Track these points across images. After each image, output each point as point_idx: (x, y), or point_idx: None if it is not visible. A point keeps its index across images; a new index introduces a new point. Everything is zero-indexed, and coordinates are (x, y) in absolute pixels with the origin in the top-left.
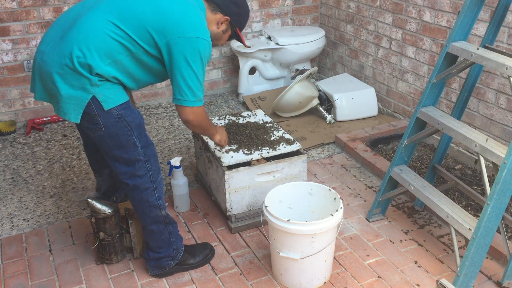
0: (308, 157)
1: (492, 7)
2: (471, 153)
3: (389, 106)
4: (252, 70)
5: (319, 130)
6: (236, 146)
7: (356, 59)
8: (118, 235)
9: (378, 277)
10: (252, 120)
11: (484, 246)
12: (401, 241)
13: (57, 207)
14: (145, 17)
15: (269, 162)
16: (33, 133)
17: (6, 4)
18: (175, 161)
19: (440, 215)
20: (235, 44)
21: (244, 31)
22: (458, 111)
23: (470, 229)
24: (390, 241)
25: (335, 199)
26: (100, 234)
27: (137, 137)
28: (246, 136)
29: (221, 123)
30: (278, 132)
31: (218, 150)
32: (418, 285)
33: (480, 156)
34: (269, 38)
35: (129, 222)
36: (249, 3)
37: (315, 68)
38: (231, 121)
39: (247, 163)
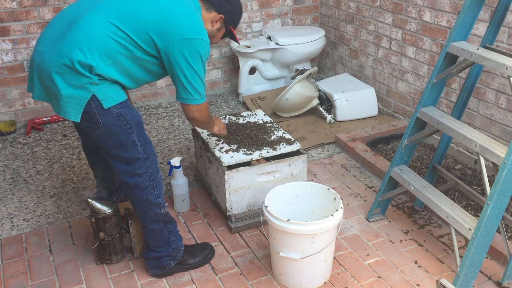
0: (308, 157)
1: (492, 7)
2: (471, 153)
3: (389, 106)
4: (252, 70)
5: (319, 130)
6: (236, 146)
7: (356, 59)
8: (118, 235)
9: (378, 277)
10: (252, 120)
11: (484, 246)
12: (401, 241)
13: (57, 207)
14: (145, 19)
15: (269, 162)
16: (33, 133)
17: (6, 4)
18: (175, 161)
19: (440, 215)
20: (235, 44)
21: (244, 31)
22: (458, 111)
23: (470, 229)
24: (390, 241)
25: (335, 199)
26: (100, 234)
27: (137, 135)
28: (246, 136)
29: None
30: (278, 132)
31: (218, 150)
32: (418, 285)
33: (480, 156)
34: (269, 38)
35: (129, 222)
36: (249, 3)
37: (315, 68)
38: (231, 121)
39: (247, 163)
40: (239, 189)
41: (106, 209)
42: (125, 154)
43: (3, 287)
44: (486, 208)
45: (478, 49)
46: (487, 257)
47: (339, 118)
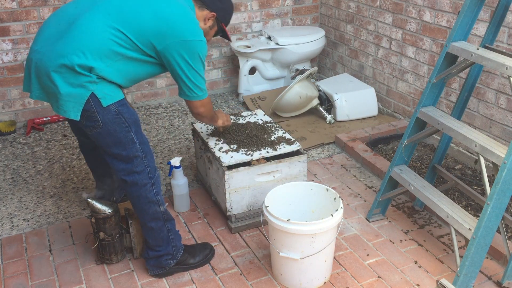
0: (308, 157)
1: (492, 7)
2: (471, 153)
3: (389, 106)
4: (252, 70)
5: (319, 130)
6: (236, 146)
7: (356, 59)
8: (118, 235)
9: (378, 277)
10: (252, 120)
11: (484, 246)
12: (401, 241)
13: (57, 207)
14: (144, 21)
15: (269, 162)
16: (33, 133)
17: (6, 4)
18: (175, 161)
19: (440, 215)
20: (235, 44)
21: (244, 31)
22: (458, 111)
23: (470, 229)
24: (390, 241)
25: (335, 199)
26: (100, 234)
27: (135, 133)
28: (246, 136)
29: None
30: (278, 132)
31: (218, 150)
32: (418, 285)
33: (480, 156)
34: (269, 38)
35: (129, 222)
36: (249, 3)
37: (315, 68)
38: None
39: (247, 163)
40: (239, 189)
41: (106, 209)
42: (123, 152)
43: (3, 287)
44: (486, 208)
45: (478, 49)
46: (487, 257)
47: (339, 118)
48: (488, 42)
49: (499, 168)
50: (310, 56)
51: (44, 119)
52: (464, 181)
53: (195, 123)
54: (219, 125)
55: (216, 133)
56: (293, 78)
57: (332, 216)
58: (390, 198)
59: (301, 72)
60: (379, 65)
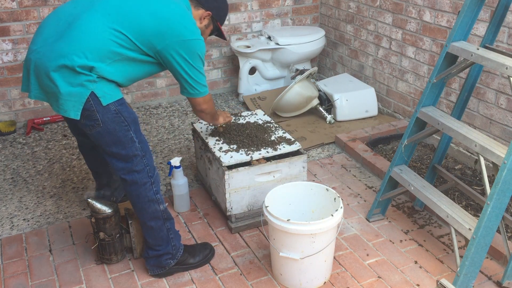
0: (308, 157)
1: (492, 7)
2: (471, 153)
3: (389, 106)
4: (252, 70)
5: (319, 130)
6: (236, 146)
7: (356, 59)
8: (118, 235)
9: (378, 277)
10: (252, 120)
11: (484, 246)
12: (401, 241)
13: (57, 207)
14: (143, 21)
15: (269, 162)
16: (33, 133)
17: (6, 4)
18: (175, 161)
19: (440, 215)
20: (235, 44)
21: (244, 31)
22: (458, 111)
23: (470, 229)
24: (390, 241)
25: (335, 199)
26: (100, 234)
27: (134, 132)
28: (246, 136)
29: None
30: (278, 132)
31: (218, 150)
32: (418, 285)
33: (480, 156)
34: (269, 38)
35: (129, 222)
36: (249, 3)
37: (315, 68)
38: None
39: (247, 163)
40: (239, 189)
41: (106, 209)
42: (123, 151)
43: (3, 287)
44: (486, 208)
45: (478, 49)
46: (487, 257)
47: (339, 118)
48: (488, 42)
49: (499, 168)
50: (310, 56)
51: (44, 119)
52: (464, 181)
53: (195, 123)
54: (220, 122)
55: (216, 133)
56: (293, 78)
57: (332, 216)
58: (390, 198)
59: (301, 72)
60: (379, 65)
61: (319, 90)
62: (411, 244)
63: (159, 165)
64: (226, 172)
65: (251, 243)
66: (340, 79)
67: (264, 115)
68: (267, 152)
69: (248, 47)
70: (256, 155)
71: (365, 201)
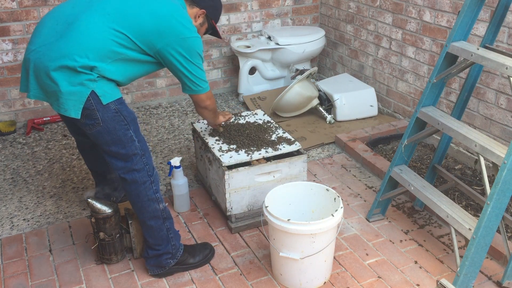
0: (308, 157)
1: (492, 7)
2: (471, 153)
3: (389, 106)
4: (252, 70)
5: (319, 130)
6: (236, 146)
7: (356, 59)
8: (118, 235)
9: (378, 277)
10: (252, 120)
11: (484, 246)
12: (401, 241)
13: (57, 207)
14: (142, 21)
15: (269, 162)
16: (33, 133)
17: (6, 4)
18: (175, 161)
19: (440, 215)
20: (235, 44)
21: (244, 31)
22: (458, 111)
23: (470, 229)
24: (390, 241)
25: (335, 199)
26: (100, 234)
27: (133, 131)
28: (246, 136)
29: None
30: (278, 132)
31: (218, 150)
32: (418, 285)
33: (480, 156)
34: (269, 38)
35: (129, 222)
36: (249, 3)
37: (315, 68)
38: (231, 121)
39: (247, 163)
40: (239, 189)
41: (106, 209)
42: (122, 150)
43: (3, 287)
44: (486, 208)
45: (478, 49)
46: (487, 257)
47: (339, 118)
48: (488, 42)
49: (499, 168)
50: (310, 56)
51: (44, 119)
52: (464, 181)
53: (194, 123)
54: (221, 120)
55: (216, 133)
56: (293, 78)
57: (332, 216)
58: (390, 198)
59: (301, 72)
60: (379, 65)
61: (319, 90)
62: (411, 244)
63: (159, 165)
64: (226, 172)
65: (251, 243)
66: (340, 79)
67: (264, 115)
68: (267, 152)
69: (248, 47)
70: (256, 155)
71: (365, 201)
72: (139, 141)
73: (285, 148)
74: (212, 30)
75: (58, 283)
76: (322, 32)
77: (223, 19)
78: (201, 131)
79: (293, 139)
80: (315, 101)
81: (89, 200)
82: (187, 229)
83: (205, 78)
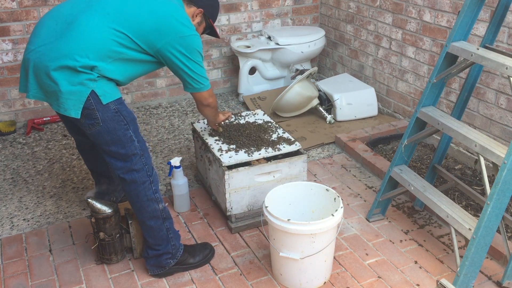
0: (308, 157)
1: (492, 7)
2: (471, 153)
3: (389, 106)
4: (252, 70)
5: (319, 130)
6: (236, 146)
7: (356, 59)
8: (118, 235)
9: (378, 277)
10: (252, 120)
11: (484, 246)
12: (401, 241)
13: (57, 207)
14: (142, 20)
15: (269, 162)
16: (33, 133)
17: (6, 4)
18: (175, 161)
19: (440, 215)
20: (235, 44)
21: (244, 31)
22: (458, 111)
23: (470, 229)
24: (390, 241)
25: (335, 199)
26: (100, 234)
27: (133, 131)
28: (246, 136)
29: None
30: (278, 132)
31: (218, 150)
32: (418, 285)
33: (480, 156)
34: (269, 38)
35: (129, 222)
36: (249, 3)
37: (315, 68)
38: (231, 121)
39: (247, 163)
40: (239, 189)
41: (106, 209)
42: (122, 150)
43: (3, 287)
44: (486, 208)
45: (478, 49)
46: (487, 257)
47: (339, 118)
48: (488, 42)
49: (499, 168)
50: (310, 56)
51: (44, 119)
52: (464, 181)
53: (194, 123)
54: (222, 119)
55: (216, 133)
56: (293, 78)
57: (332, 216)
58: (390, 198)
59: (301, 72)
60: (379, 65)
61: (319, 90)
62: (411, 244)
63: (159, 165)
64: (226, 172)
65: (251, 243)
66: (340, 79)
67: (264, 115)
68: (267, 152)
69: (248, 47)
70: (256, 155)
71: (365, 201)
72: (139, 141)
73: (285, 148)
74: (210, 29)
75: (58, 283)
76: (322, 32)
77: (223, 19)
78: (201, 131)
79: (293, 139)
80: (315, 101)
81: (89, 200)
82: (187, 229)
83: (206, 75)
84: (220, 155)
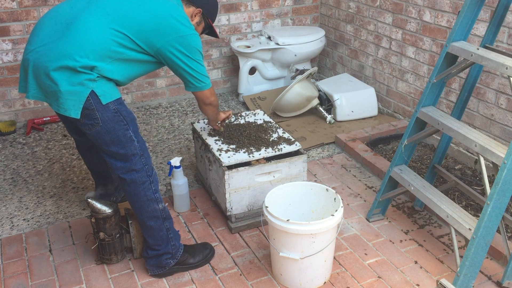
0: (308, 157)
1: (492, 7)
2: (471, 153)
3: (389, 106)
4: (252, 70)
5: (319, 130)
6: (236, 146)
7: (356, 59)
8: (118, 235)
9: (378, 277)
10: (252, 120)
11: (484, 246)
12: (401, 241)
13: (57, 207)
14: (142, 20)
15: (269, 162)
16: (33, 133)
17: (6, 4)
18: (175, 161)
19: (440, 215)
20: (235, 44)
21: (244, 31)
22: (458, 111)
23: (470, 229)
24: (390, 241)
25: (335, 199)
26: (100, 234)
27: (133, 131)
28: (246, 136)
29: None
30: (278, 132)
31: (218, 150)
32: (418, 285)
33: (480, 156)
34: (269, 38)
35: (129, 222)
36: (249, 3)
37: (315, 68)
38: (231, 121)
39: (247, 163)
40: (239, 189)
41: (106, 209)
42: (122, 150)
43: (3, 287)
44: (486, 208)
45: (478, 49)
46: (487, 257)
47: (339, 118)
48: (488, 42)
49: (499, 168)
50: (310, 56)
51: (44, 119)
52: (464, 181)
53: (194, 123)
54: (222, 117)
55: (216, 133)
56: (293, 78)
57: (332, 216)
58: (390, 198)
59: (301, 72)
60: (379, 65)
61: (319, 90)
62: (411, 244)
63: (159, 165)
64: (226, 172)
65: (251, 243)
66: (340, 79)
67: (264, 115)
68: (267, 152)
69: (248, 47)
70: (256, 155)
71: (365, 201)
72: (138, 141)
73: (285, 148)
74: (209, 29)
75: (58, 283)
76: (322, 32)
77: (223, 19)
78: (201, 131)
79: (293, 139)
80: (315, 101)
81: (89, 200)
82: (187, 229)
83: (207, 74)
84: (220, 155)
